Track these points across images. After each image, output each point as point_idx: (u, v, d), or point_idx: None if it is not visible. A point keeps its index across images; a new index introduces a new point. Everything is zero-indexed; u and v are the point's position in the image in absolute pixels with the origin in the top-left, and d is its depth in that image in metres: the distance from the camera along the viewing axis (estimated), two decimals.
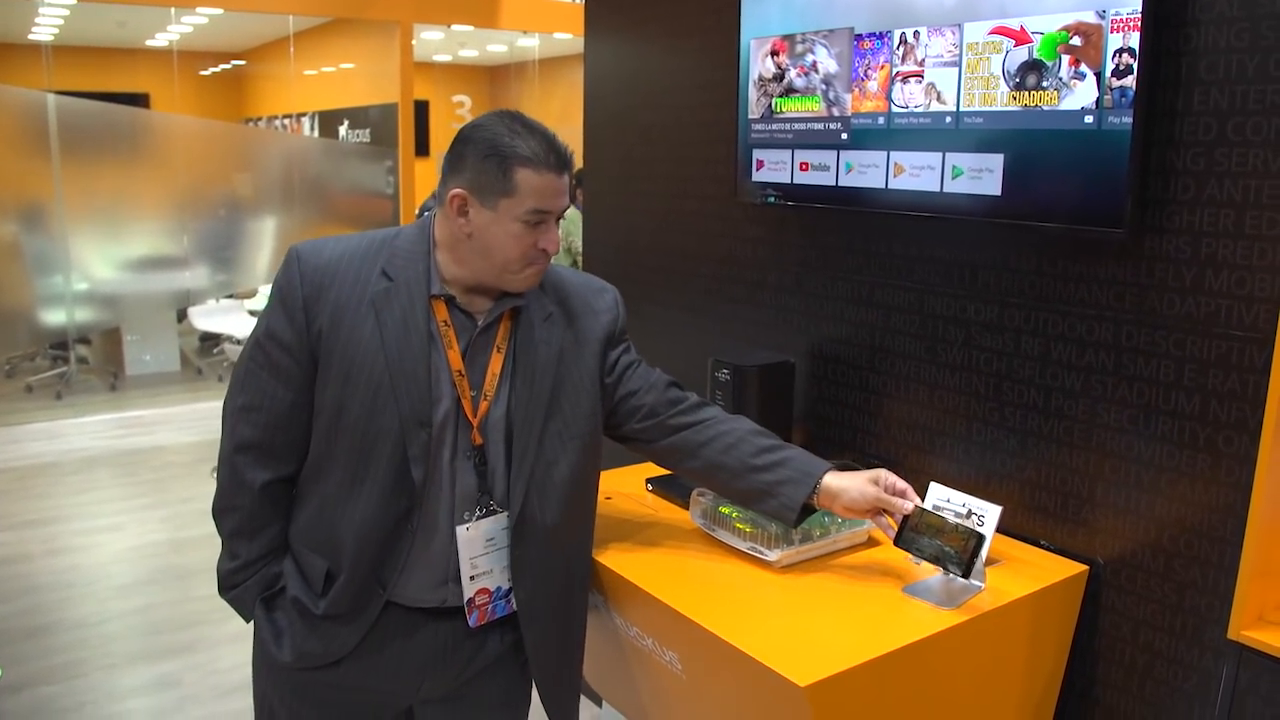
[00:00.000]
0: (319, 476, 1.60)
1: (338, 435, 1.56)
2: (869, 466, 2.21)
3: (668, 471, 2.23)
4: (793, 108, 2.22)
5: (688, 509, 1.97)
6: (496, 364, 1.61)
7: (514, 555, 1.63)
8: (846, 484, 1.72)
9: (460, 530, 1.60)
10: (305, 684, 1.66)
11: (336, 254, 1.58)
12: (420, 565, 1.61)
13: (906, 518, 1.72)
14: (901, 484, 1.74)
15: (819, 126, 2.16)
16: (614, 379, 1.76)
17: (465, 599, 1.63)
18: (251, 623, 1.68)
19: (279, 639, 1.62)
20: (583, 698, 3.15)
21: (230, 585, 1.65)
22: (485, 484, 1.61)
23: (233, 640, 3.50)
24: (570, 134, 3.76)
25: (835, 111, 2.12)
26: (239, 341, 6.46)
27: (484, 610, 1.65)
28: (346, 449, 1.56)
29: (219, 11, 7.80)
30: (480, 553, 1.62)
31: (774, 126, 2.28)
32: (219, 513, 1.64)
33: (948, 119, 1.89)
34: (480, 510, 1.61)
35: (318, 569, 1.61)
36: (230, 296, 7.90)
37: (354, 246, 1.60)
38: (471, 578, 1.62)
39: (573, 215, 5.21)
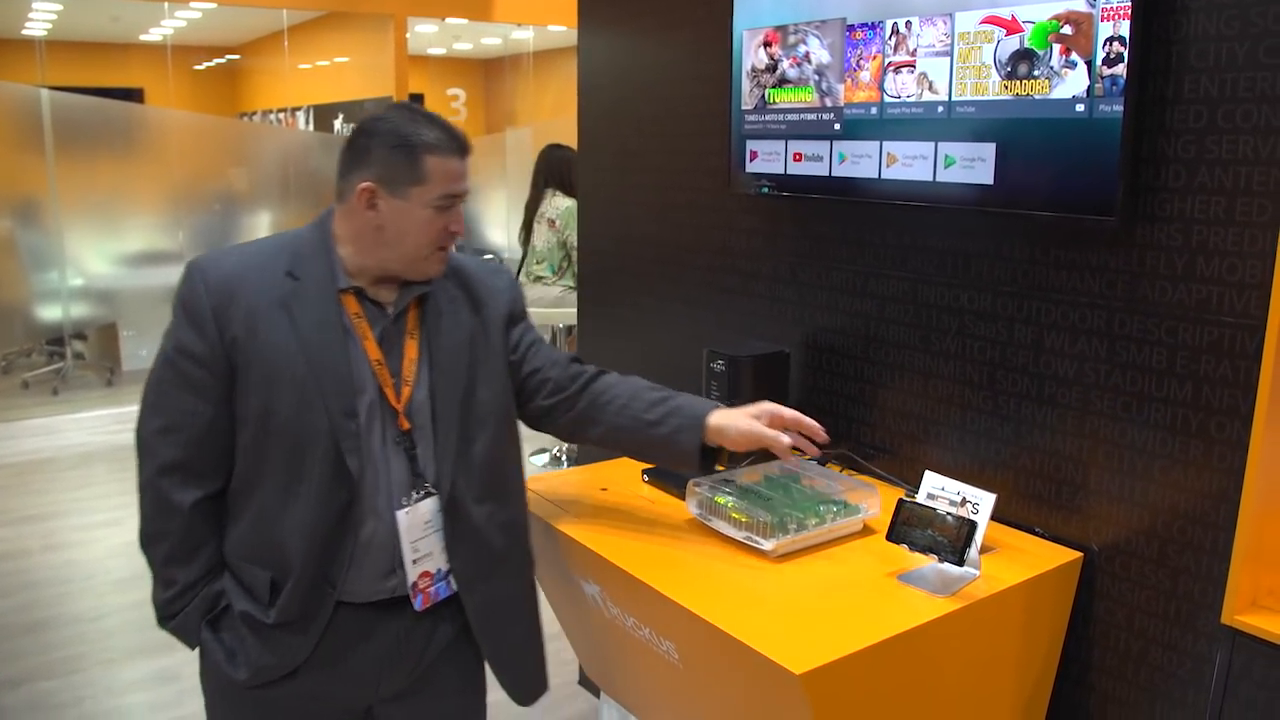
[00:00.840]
0: (251, 488, 1.59)
1: (268, 440, 1.56)
2: (866, 458, 2.23)
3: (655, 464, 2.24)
4: (786, 98, 2.22)
5: (684, 499, 1.98)
6: (412, 350, 1.64)
7: (448, 533, 1.65)
8: (726, 422, 1.78)
9: (400, 515, 1.61)
10: (264, 701, 1.64)
11: (239, 262, 1.59)
12: (366, 558, 1.61)
13: (897, 512, 1.74)
14: (790, 414, 1.80)
15: (812, 117, 2.16)
16: (519, 356, 1.80)
17: (409, 583, 1.63)
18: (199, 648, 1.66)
19: (232, 658, 1.61)
20: (580, 688, 3.16)
21: (170, 615, 1.62)
22: (416, 467, 1.63)
23: None
24: (565, 126, 3.76)
25: (828, 102, 2.12)
26: None
27: (427, 594, 1.66)
28: (279, 452, 1.56)
29: (212, 6, 7.79)
30: (420, 535, 1.64)
31: (767, 117, 2.28)
32: (149, 541, 1.61)
33: (940, 109, 1.89)
34: (417, 493, 1.63)
35: (260, 580, 1.59)
36: None
37: (254, 252, 1.62)
38: (414, 561, 1.63)
39: (569, 209, 5.18)
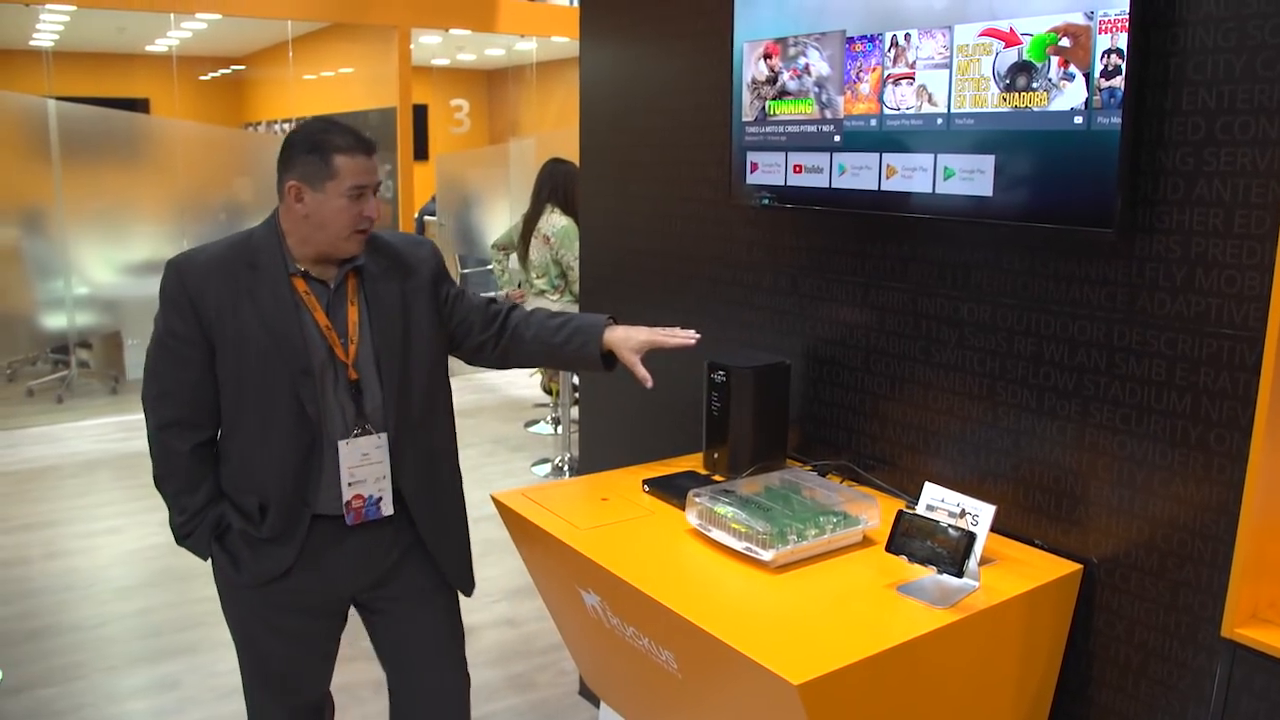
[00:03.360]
0: (234, 435, 2.00)
1: (243, 398, 1.95)
2: (867, 469, 2.23)
3: (662, 473, 2.25)
4: (786, 110, 2.23)
5: (683, 509, 1.98)
6: (353, 314, 2.00)
7: (394, 458, 2.03)
8: (617, 346, 2.19)
9: (341, 445, 1.98)
10: (267, 596, 2.04)
11: (208, 258, 1.97)
12: (330, 481, 1.99)
13: (897, 523, 1.73)
14: (672, 343, 2.19)
15: (812, 129, 2.17)
16: (449, 309, 2.17)
17: (344, 501, 2.00)
18: (211, 573, 2.09)
19: (236, 565, 2.02)
20: (581, 699, 3.16)
21: (185, 534, 2.03)
22: (362, 409, 2.00)
23: (232, 643, 3.51)
24: (568, 137, 3.77)
25: (828, 114, 2.13)
26: None
27: (359, 512, 2.02)
28: (253, 405, 1.95)
29: (218, 17, 7.82)
30: (357, 464, 1.99)
31: (768, 129, 2.29)
32: (160, 480, 2.03)
33: (939, 120, 1.90)
34: (357, 431, 1.99)
35: (251, 505, 1.99)
36: None
37: (220, 250, 1.99)
38: (349, 484, 2.00)
39: (565, 228, 5.15)
